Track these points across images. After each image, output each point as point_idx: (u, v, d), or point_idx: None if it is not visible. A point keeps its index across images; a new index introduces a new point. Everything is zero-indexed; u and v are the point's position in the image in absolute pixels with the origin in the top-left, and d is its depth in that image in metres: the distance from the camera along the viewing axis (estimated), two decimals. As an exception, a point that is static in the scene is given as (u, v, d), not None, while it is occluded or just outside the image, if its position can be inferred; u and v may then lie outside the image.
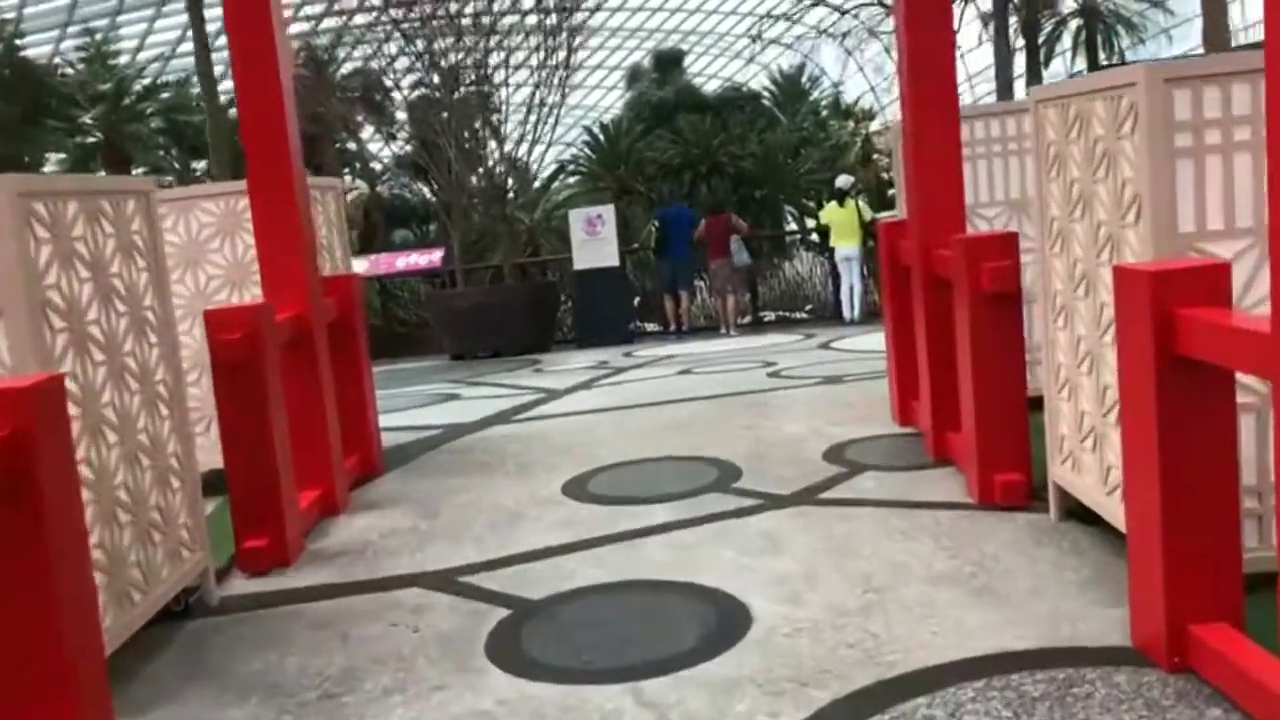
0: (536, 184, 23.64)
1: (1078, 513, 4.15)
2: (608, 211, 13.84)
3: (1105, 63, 29.84)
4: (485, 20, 14.10)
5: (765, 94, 28.23)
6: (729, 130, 22.33)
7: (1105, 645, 3.15)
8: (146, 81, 29.90)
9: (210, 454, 4.93)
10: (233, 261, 5.81)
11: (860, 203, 13.53)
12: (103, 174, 27.26)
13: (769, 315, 15.46)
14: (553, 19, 14.02)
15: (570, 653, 3.48)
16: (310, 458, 5.18)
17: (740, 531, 4.44)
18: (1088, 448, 3.85)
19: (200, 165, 26.93)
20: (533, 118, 14.22)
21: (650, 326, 15.42)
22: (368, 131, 25.26)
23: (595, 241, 13.48)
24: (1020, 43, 27.39)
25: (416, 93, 15.87)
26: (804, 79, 29.62)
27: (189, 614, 4.11)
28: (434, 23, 14.01)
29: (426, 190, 19.46)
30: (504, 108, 14.85)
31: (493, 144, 14.94)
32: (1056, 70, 30.51)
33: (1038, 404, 4.45)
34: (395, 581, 4.27)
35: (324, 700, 3.27)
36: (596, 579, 4.08)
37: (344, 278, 6.05)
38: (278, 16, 4.99)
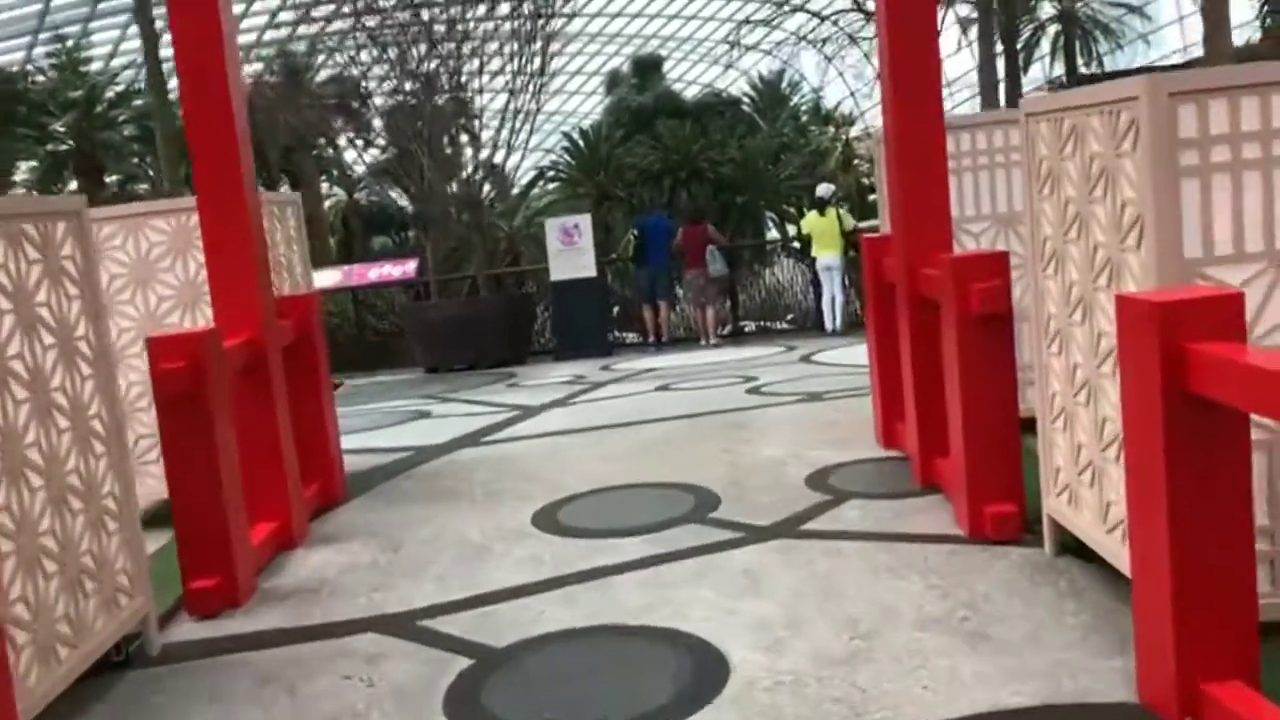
0: (515, 191, 23.44)
1: (1073, 547, 3.93)
2: (584, 221, 13.59)
3: (1084, 68, 29.81)
4: (459, 27, 13.87)
5: (745, 100, 28.06)
6: (709, 136, 22.16)
7: (1110, 701, 2.93)
8: (120, 88, 29.45)
9: (163, 484, 4.64)
10: (185, 281, 5.53)
11: (841, 212, 13.33)
12: (74, 184, 26.87)
13: (749, 325, 15.24)
14: (527, 26, 13.80)
15: (533, 712, 3.23)
16: (265, 490, 4.91)
17: (719, 568, 4.20)
18: (1085, 482, 3.62)
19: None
20: (509, 124, 13.99)
21: (630, 337, 15.19)
22: (345, 139, 24.94)
23: (572, 251, 13.24)
24: (999, 48, 27.31)
25: (392, 100, 15.62)
26: (784, 85, 29.50)
27: (129, 664, 3.83)
28: (408, 30, 13.78)
29: (403, 198, 19.22)
30: (480, 115, 14.63)
31: (469, 152, 14.72)
32: (1035, 76, 30.44)
33: (1029, 425, 4.23)
34: (350, 626, 4.01)
35: (264, 769, 3.01)
36: (566, 623, 3.83)
37: (303, 297, 5.77)
38: (227, 22, 4.73)
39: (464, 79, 14.21)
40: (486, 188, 14.86)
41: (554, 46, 14.82)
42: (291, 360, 5.44)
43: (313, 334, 5.67)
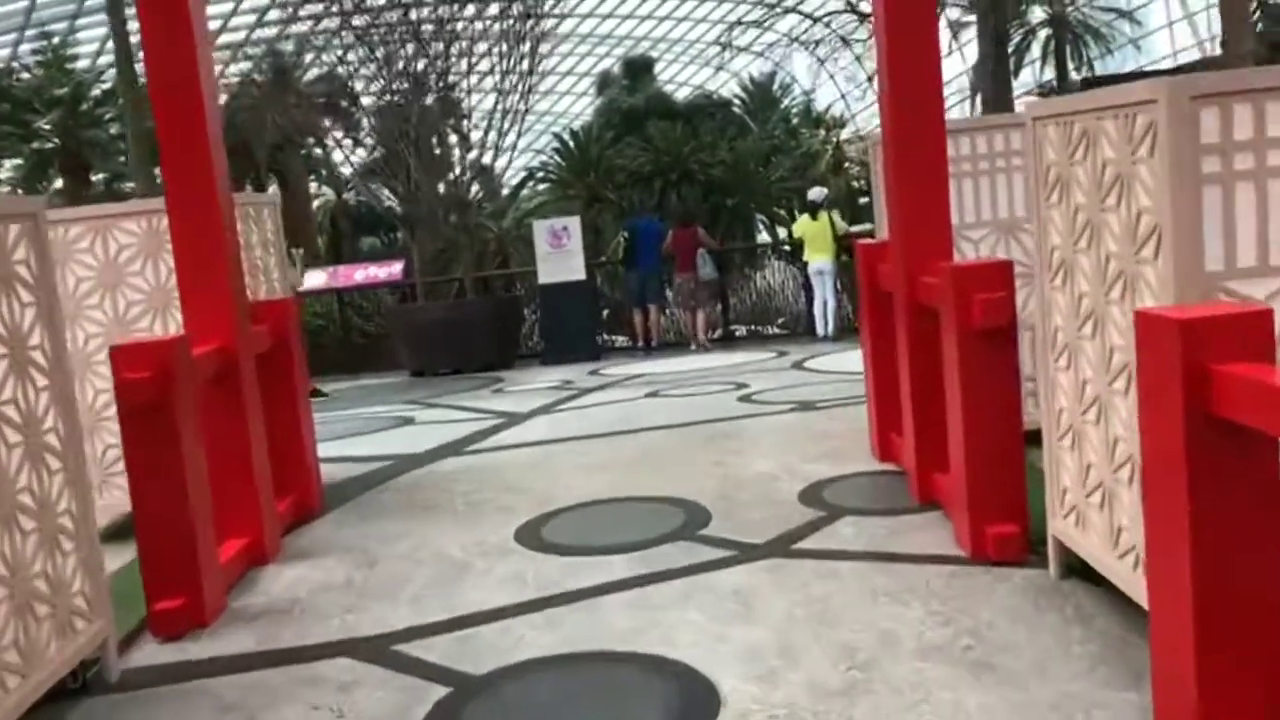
0: (505, 192, 23.24)
1: (1079, 569, 3.75)
2: (573, 223, 13.40)
3: (1074, 73, 29.75)
4: (448, 28, 13.68)
5: (736, 101, 27.95)
6: (699, 138, 22.02)
7: (1124, 743, 2.76)
8: (106, 86, 29.13)
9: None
10: (156, 285, 5.33)
11: (834, 215, 13.16)
12: (59, 182, 26.57)
13: (740, 330, 15.06)
14: (516, 26, 13.62)
15: (512, 748, 3.04)
16: (235, 504, 4.71)
17: (709, 590, 4.01)
18: (1094, 504, 3.45)
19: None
20: (497, 125, 13.81)
21: (619, 340, 15.00)
22: (336, 138, 24.70)
23: (560, 254, 13.04)
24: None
25: (380, 100, 15.42)
26: (775, 87, 29.38)
27: (86, 690, 3.63)
28: (397, 30, 13.59)
29: (392, 198, 19.05)
30: (468, 115, 14.45)
31: (457, 152, 14.52)
32: (1025, 80, 30.36)
33: (1031, 439, 4.07)
34: (322, 650, 3.81)
35: (223, 812, 2.81)
36: (548, 648, 3.64)
37: (278, 302, 5.58)
38: (198, 14, 4.53)
39: (453, 79, 14.03)
40: (475, 188, 14.67)
41: (544, 47, 14.66)
42: (266, 368, 5.24)
43: (289, 340, 5.47)
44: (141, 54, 4.59)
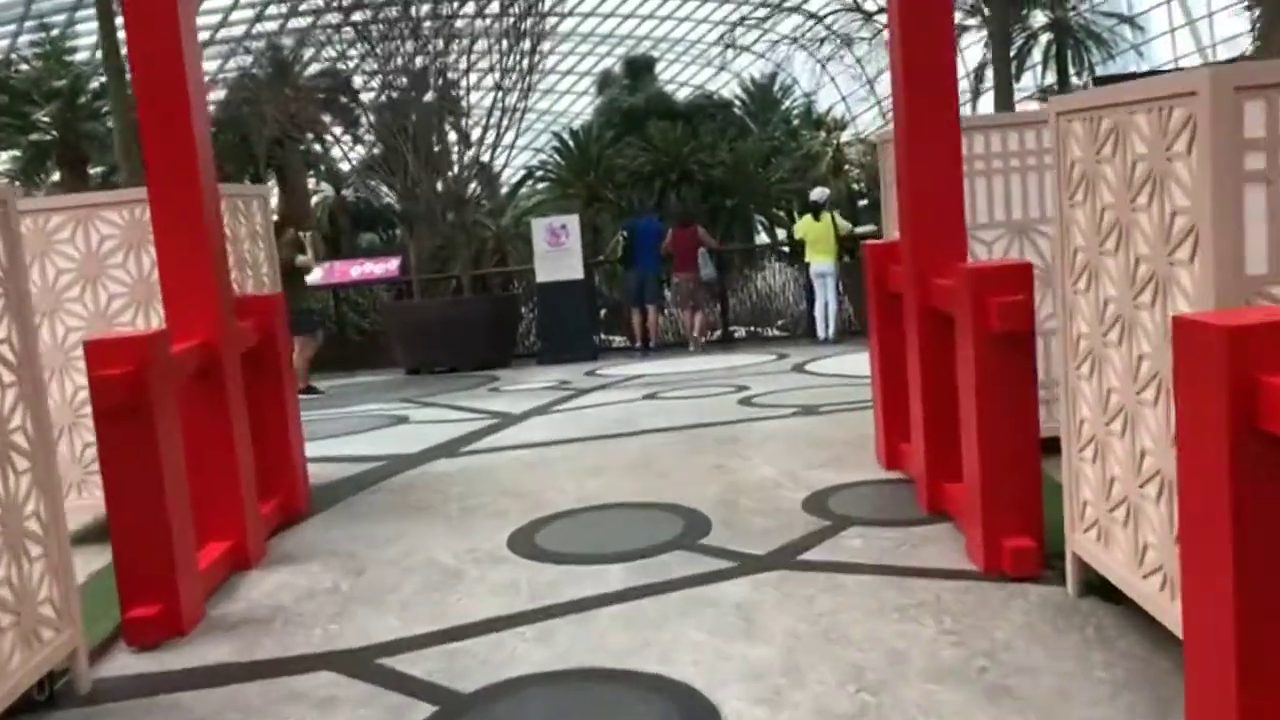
0: (504, 190, 23.07)
1: (1098, 586, 3.58)
2: (572, 222, 13.23)
3: (1075, 77, 29.64)
4: (448, 26, 13.53)
5: (737, 102, 27.81)
6: (699, 138, 21.89)
7: (1154, 778, 2.58)
8: (105, 79, 28.90)
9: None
10: (139, 278, 5.14)
11: (836, 216, 12.99)
12: (57, 174, 26.38)
13: (739, 331, 14.89)
14: (515, 23, 13.46)
15: (501, 774, 2.86)
16: (217, 506, 4.53)
17: (710, 604, 3.83)
18: (1117, 519, 3.27)
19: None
20: (495, 122, 13.64)
21: (616, 340, 14.82)
22: (335, 134, 24.52)
23: (559, 253, 12.86)
24: (989, 55, 27.06)
25: (380, 96, 15.26)
26: (776, 88, 29.23)
27: (54, 703, 3.45)
28: (397, 27, 13.44)
29: (390, 195, 18.91)
30: (468, 113, 14.29)
31: (456, 150, 14.36)
32: (1026, 84, 30.21)
33: (1046, 446, 3.90)
34: (303, 663, 3.63)
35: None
36: (541, 664, 3.45)
37: (266, 298, 5.39)
38: (184, 2, 4.35)
39: (452, 76, 13.88)
40: (473, 186, 14.50)
41: (544, 45, 14.52)
42: (253, 365, 5.06)
43: (276, 337, 5.29)
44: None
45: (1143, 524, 3.11)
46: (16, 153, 27.85)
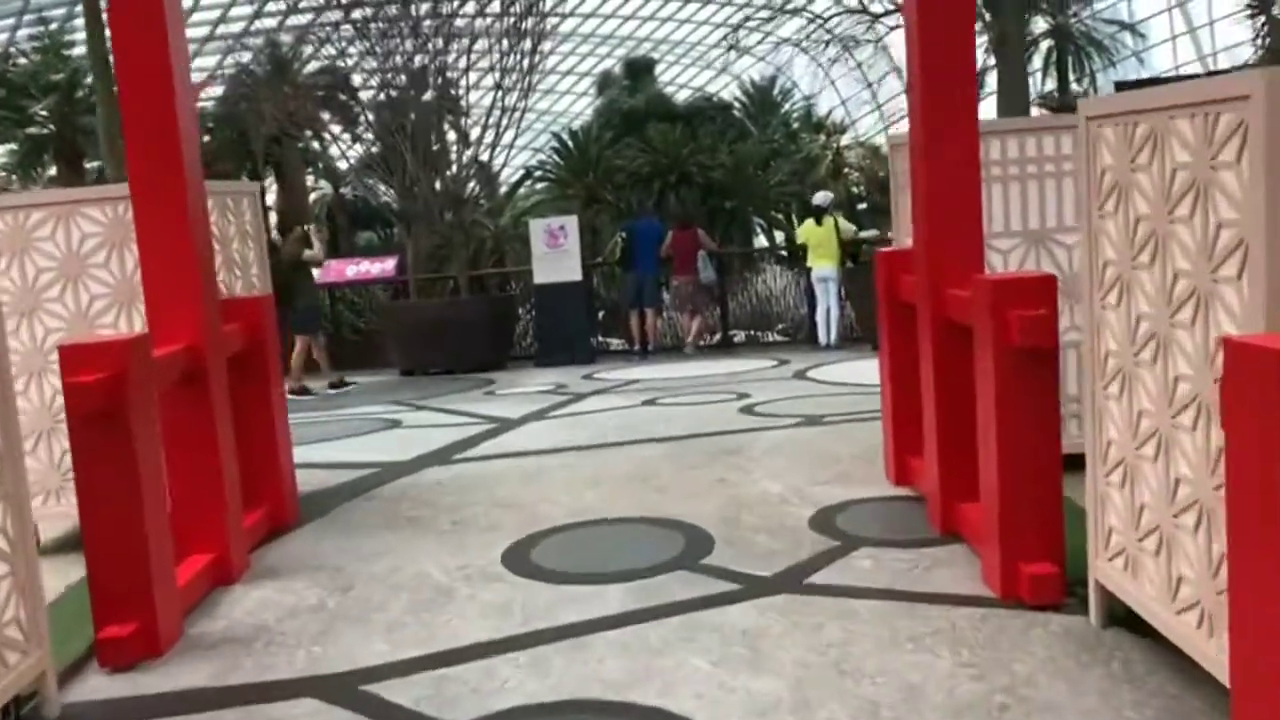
0: (503, 189, 22.88)
1: (1122, 617, 3.40)
2: (570, 223, 13.03)
3: (1075, 84, 29.51)
4: (448, 25, 13.36)
5: (736, 105, 27.65)
6: (699, 140, 21.74)
7: (1195, 834, 2.40)
8: (102, 71, 28.66)
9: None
10: (122, 278, 4.95)
11: (839, 220, 12.80)
12: (54, 169, 26.15)
13: (738, 335, 14.70)
14: (516, 22, 13.29)
15: (491, 819, 2.67)
16: (199, 518, 4.35)
17: (713, 630, 3.64)
18: (1148, 549, 3.09)
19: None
20: (493, 121, 13.46)
21: (615, 343, 14.63)
22: (333, 131, 24.32)
23: (557, 254, 12.67)
24: (991, 61, 26.94)
25: (379, 94, 15.09)
26: (776, 91, 29.08)
27: (20, 728, 3.26)
28: (396, 25, 13.26)
29: (388, 193, 18.76)
30: (467, 110, 14.12)
31: (456, 149, 14.19)
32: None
33: (1067, 463, 3.72)
34: (283, 688, 3.44)
35: None
36: (533, 695, 3.26)
37: (254, 300, 5.20)
38: (170, -11, 4.16)
39: (452, 75, 13.71)
40: (472, 185, 14.32)
41: (544, 45, 14.35)
42: (239, 369, 4.87)
43: (265, 340, 5.09)
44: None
45: (1177, 555, 2.93)
46: (13, 146, 27.63)
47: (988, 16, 23.09)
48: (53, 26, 28.32)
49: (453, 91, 14.04)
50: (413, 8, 13.49)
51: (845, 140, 28.23)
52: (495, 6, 13.56)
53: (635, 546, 4.62)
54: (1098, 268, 3.30)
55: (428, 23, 13.44)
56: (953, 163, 4.23)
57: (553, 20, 15.23)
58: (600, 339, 14.45)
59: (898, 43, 25.41)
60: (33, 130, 26.78)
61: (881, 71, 31.68)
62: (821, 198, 12.97)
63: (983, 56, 26.26)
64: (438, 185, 13.56)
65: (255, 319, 5.03)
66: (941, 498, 4.42)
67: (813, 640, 3.50)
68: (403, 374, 12.68)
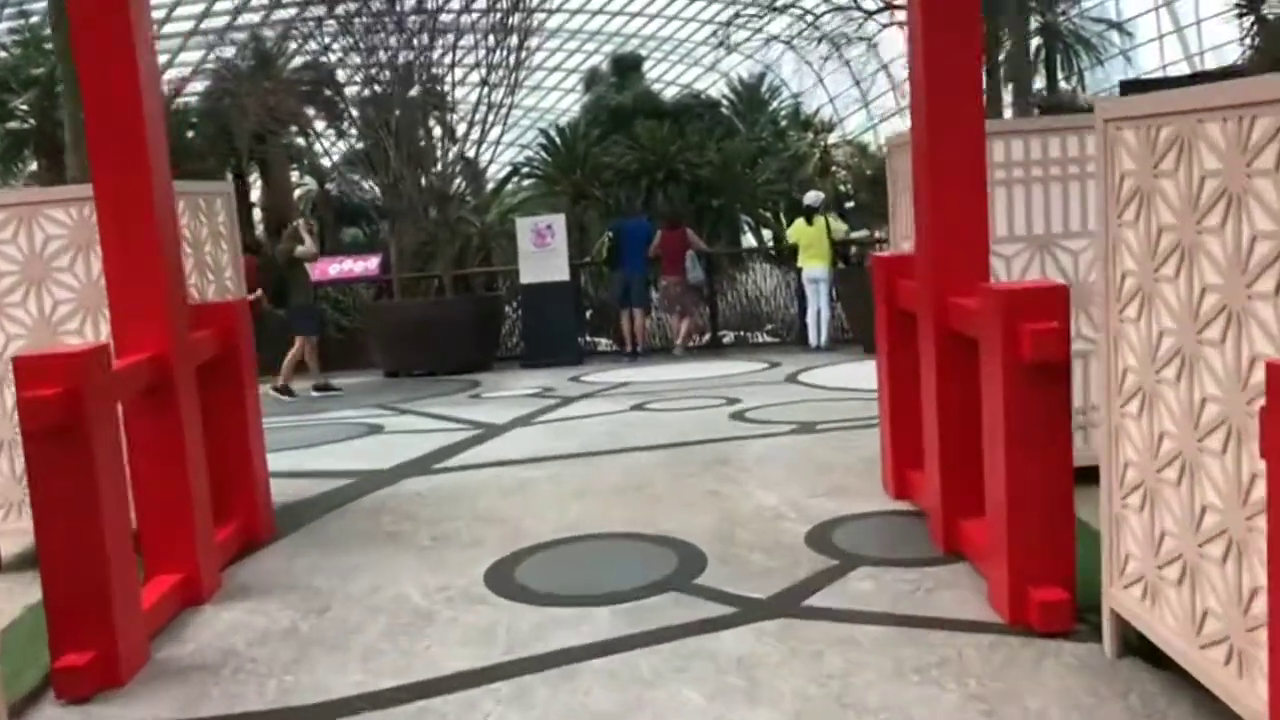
0: (490, 186, 22.64)
1: (1137, 646, 3.23)
2: (558, 222, 12.83)
3: (1064, 83, 29.43)
4: (433, 20, 13.14)
5: (724, 102, 27.47)
6: (687, 137, 21.55)
7: None
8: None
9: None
10: (88, 282, 4.73)
11: (831, 219, 12.62)
12: (34, 165, 25.79)
13: (728, 336, 14.52)
14: (503, 18, 13.08)
15: None
16: (167, 536, 4.15)
17: (707, 658, 3.45)
18: (1169, 579, 2.91)
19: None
20: (480, 118, 13.25)
21: (603, 343, 14.43)
22: (318, 127, 24.03)
23: (544, 253, 12.47)
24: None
25: (364, 90, 14.86)
26: (764, 89, 28.92)
27: (-32, 768, 3.04)
28: (382, 20, 13.05)
29: (374, 190, 18.54)
30: (453, 108, 13.91)
31: (441, 146, 13.98)
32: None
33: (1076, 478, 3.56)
34: (251, 723, 3.24)
35: None
36: (517, 731, 3.07)
37: (227, 305, 4.98)
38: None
39: (438, 71, 13.49)
40: (458, 182, 14.10)
41: (531, 41, 14.16)
42: (211, 378, 4.66)
43: (239, 347, 4.88)
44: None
45: (1202, 587, 2.75)
46: (-6, 141, 27.25)
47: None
48: (34, 20, 27.93)
49: (439, 88, 13.84)
50: (398, 3, 13.28)
51: (833, 138, 28.09)
52: (481, 3, 13.37)
53: (625, 565, 4.43)
54: (1116, 278, 3.12)
55: (413, 18, 13.23)
56: (957, 164, 4.04)
57: (540, 16, 15.04)
58: (588, 339, 14.25)
59: (887, 40, 25.31)
60: (13, 125, 26.41)
61: (871, 69, 31.57)
62: (813, 198, 12.78)
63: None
64: (423, 182, 13.35)
65: (228, 325, 4.82)
66: (944, 515, 4.24)
67: (812, 670, 3.32)
68: (387, 375, 12.46)
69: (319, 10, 15.87)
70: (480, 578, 4.34)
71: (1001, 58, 28.34)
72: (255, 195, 28.06)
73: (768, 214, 24.47)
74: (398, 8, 13.27)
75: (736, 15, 24.06)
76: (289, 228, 11.69)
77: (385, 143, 12.94)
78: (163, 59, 28.82)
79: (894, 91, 32.95)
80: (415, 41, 13.19)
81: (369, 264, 14.41)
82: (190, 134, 24.18)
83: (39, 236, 4.70)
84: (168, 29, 27.76)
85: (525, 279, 12.56)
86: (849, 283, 12.37)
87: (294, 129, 23.95)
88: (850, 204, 24.70)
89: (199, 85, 25.95)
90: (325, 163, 25.08)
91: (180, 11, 27.48)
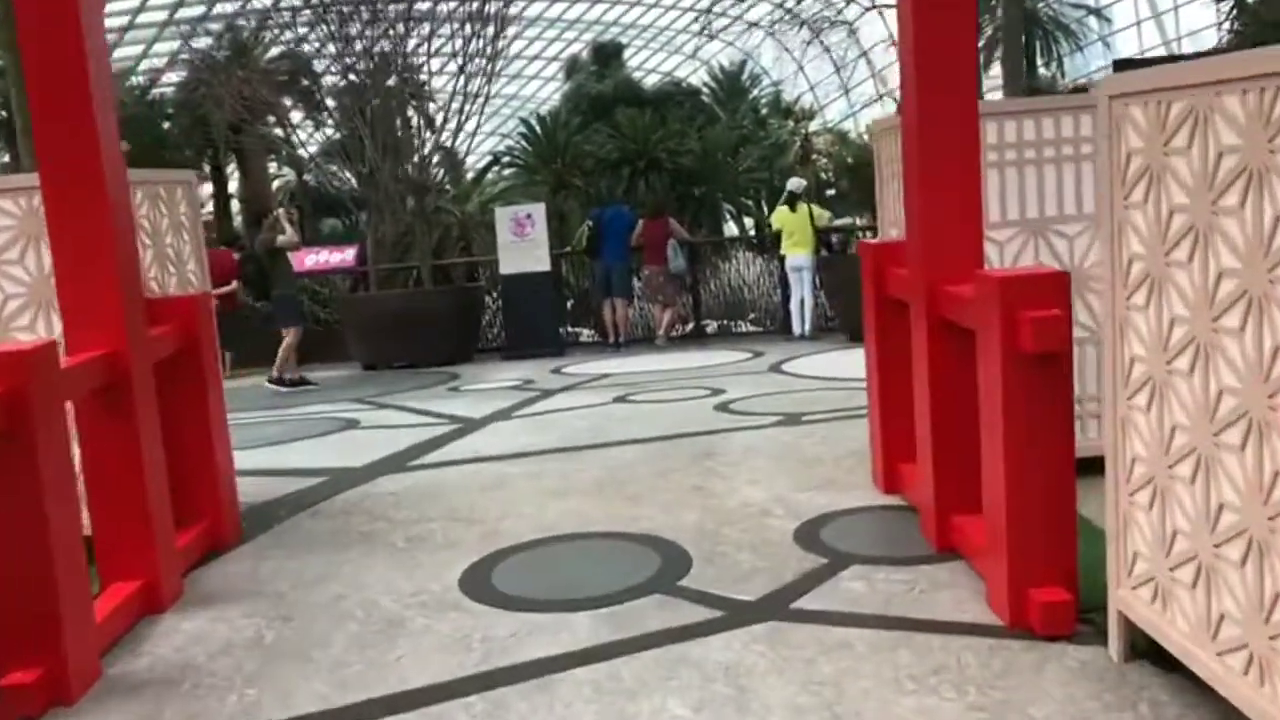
0: (469, 176, 22.38)
1: (1144, 648, 3.07)
2: (538, 211, 12.61)
3: (1043, 69, 29.40)
4: (409, 7, 12.90)
5: (705, 90, 27.30)
6: (668, 126, 21.37)
7: None
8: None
9: None
10: (39, 276, 4.50)
11: (813, 206, 12.45)
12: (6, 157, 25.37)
13: (711, 325, 14.34)
14: (478, 6, 12.85)
15: None
16: (123, 542, 3.94)
17: (692, 666, 3.27)
18: (1183, 580, 2.75)
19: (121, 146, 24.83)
20: (458, 106, 13.02)
21: (586, 333, 14.22)
22: (296, 117, 23.70)
23: (524, 243, 12.26)
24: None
25: (342, 80, 14.60)
26: (744, 76, 28.75)
27: (-97, 796, 2.85)
28: (358, 9, 12.79)
29: (352, 180, 18.28)
30: (431, 96, 13.67)
31: (421, 134, 13.74)
32: (995, 75, 29.89)
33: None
34: (209, 743, 3.05)
35: None
36: (492, 748, 2.89)
37: (188, 299, 4.76)
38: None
39: (414, 60, 13.25)
40: (437, 172, 13.86)
41: (509, 30, 13.94)
42: (171, 376, 4.45)
43: (200, 343, 4.66)
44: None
45: (1219, 590, 2.59)
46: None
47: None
48: (5, 5, 27.43)
49: (416, 77, 13.61)
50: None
51: (814, 126, 27.97)
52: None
53: (606, 566, 4.25)
54: (1121, 263, 2.95)
55: (391, 7, 12.99)
56: (950, 146, 3.87)
57: (519, 4, 14.79)
58: (570, 329, 14.05)
59: (867, 26, 25.15)
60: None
61: (851, 56, 31.43)
62: (796, 184, 12.61)
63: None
64: (401, 171, 13.11)
65: (189, 319, 4.60)
66: (937, 510, 4.07)
67: (803, 678, 3.15)
68: (365, 368, 12.23)
69: (295, 0, 15.61)
70: (455, 582, 4.15)
71: (981, 44, 28.28)
72: (234, 187, 27.71)
73: (749, 202, 24.34)
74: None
75: (716, 1, 23.87)
76: (269, 217, 11.45)
77: (361, 132, 12.69)
78: (137, 49, 28.44)
79: (874, 79, 32.88)
80: (392, 31, 12.96)
81: (345, 255, 14.19)
82: (166, 125, 23.84)
83: (-14, 228, 4.47)
84: (142, 18, 27.37)
85: (505, 269, 12.35)
86: (832, 270, 12.22)
87: (271, 120, 23.65)
88: (831, 192, 24.61)
89: (175, 76, 25.59)
90: (303, 154, 24.79)
91: (155, 1, 27.07)
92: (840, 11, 19.01)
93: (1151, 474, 2.88)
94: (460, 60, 13.10)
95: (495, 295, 13.48)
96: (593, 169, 20.54)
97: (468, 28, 13.00)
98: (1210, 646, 2.64)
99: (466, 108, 13.12)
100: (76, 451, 3.89)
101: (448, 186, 15.32)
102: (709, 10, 23.63)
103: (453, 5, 13.12)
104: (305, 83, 21.24)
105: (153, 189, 4.87)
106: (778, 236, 12.47)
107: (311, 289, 15.82)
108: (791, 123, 26.76)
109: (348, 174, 14.99)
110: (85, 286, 3.83)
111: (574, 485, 5.51)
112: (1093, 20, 30.56)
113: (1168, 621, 2.85)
